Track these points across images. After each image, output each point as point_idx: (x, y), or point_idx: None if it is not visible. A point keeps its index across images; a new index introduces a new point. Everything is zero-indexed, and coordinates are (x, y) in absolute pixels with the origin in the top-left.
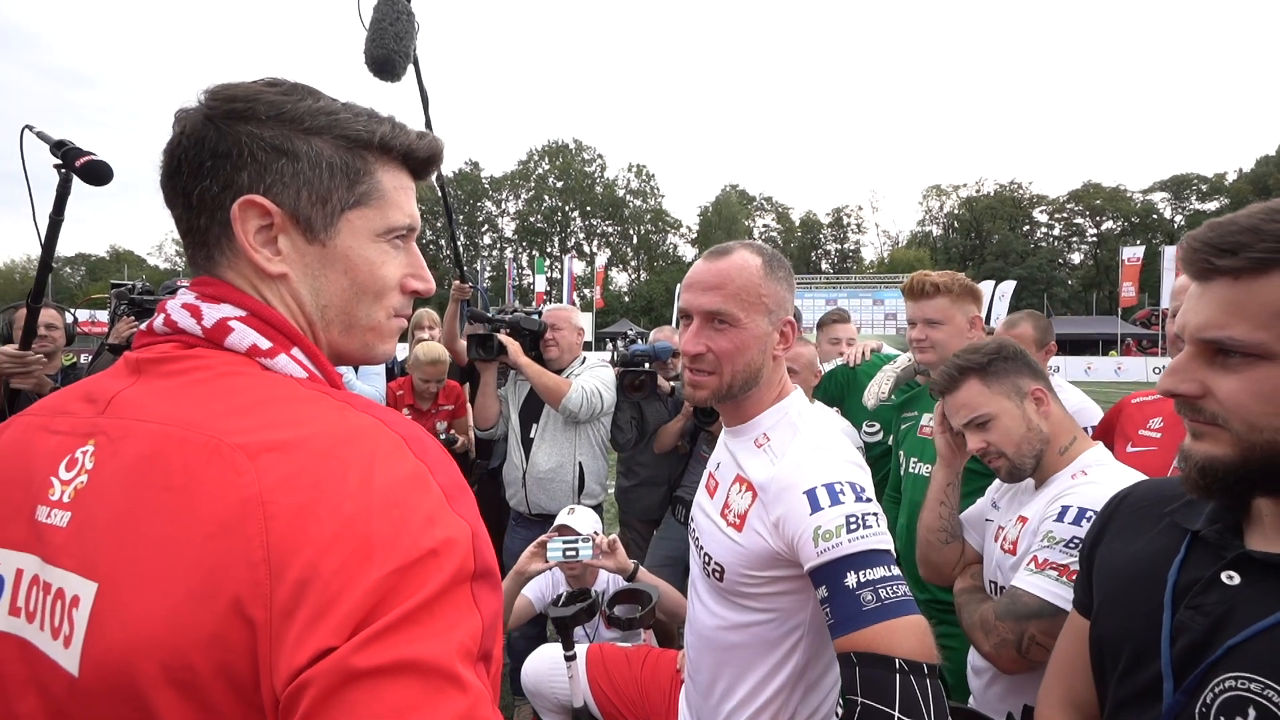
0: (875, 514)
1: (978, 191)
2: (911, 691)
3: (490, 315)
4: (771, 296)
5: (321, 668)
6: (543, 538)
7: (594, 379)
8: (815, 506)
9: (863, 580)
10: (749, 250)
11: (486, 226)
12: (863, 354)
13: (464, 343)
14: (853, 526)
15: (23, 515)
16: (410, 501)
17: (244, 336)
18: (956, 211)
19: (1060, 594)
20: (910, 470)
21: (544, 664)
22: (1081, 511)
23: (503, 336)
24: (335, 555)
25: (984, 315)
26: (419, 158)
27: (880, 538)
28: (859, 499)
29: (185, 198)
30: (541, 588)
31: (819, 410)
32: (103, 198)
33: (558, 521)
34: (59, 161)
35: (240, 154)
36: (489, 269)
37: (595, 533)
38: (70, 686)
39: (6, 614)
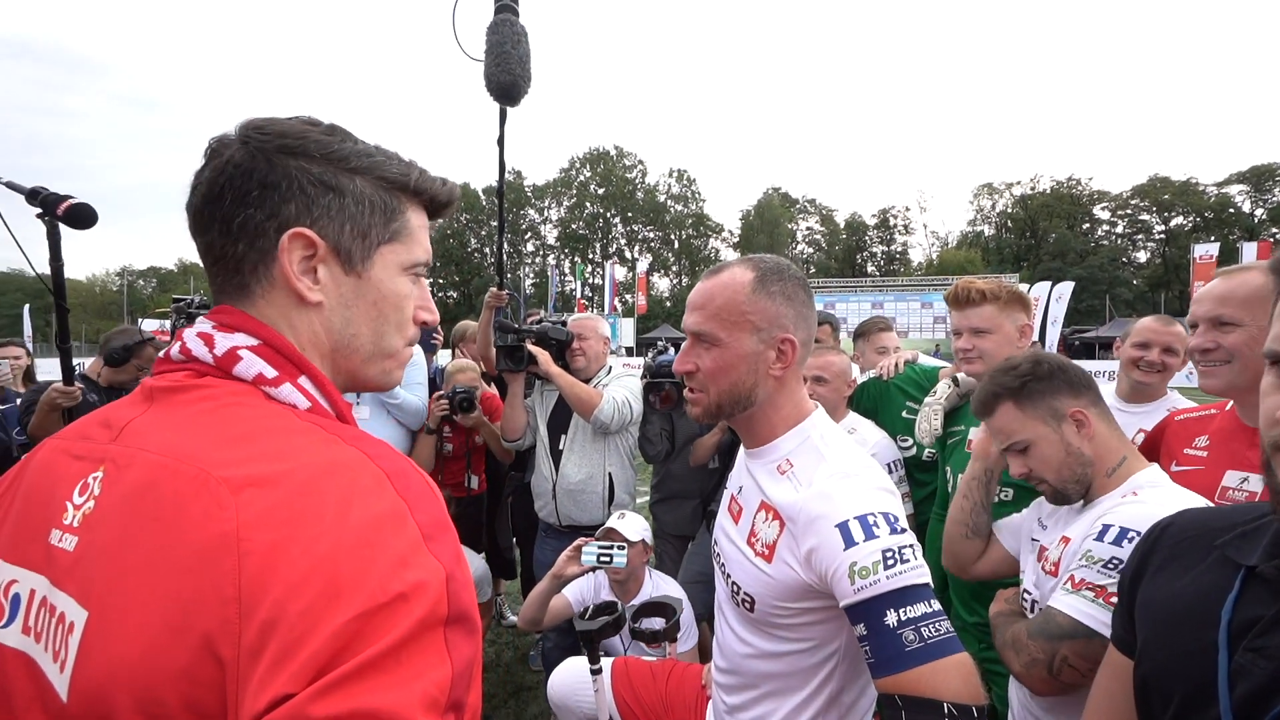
0: (911, 545)
1: (1033, 189)
2: None
3: (517, 325)
4: (759, 314)
5: (278, 715)
6: (579, 541)
7: (623, 389)
8: (849, 541)
9: (904, 619)
10: (743, 266)
11: (529, 234)
12: (896, 366)
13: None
14: (890, 562)
15: (40, 536)
16: (383, 541)
17: (251, 365)
18: (1010, 210)
19: (1096, 616)
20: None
21: (570, 677)
22: (1123, 531)
23: (531, 346)
24: (303, 596)
25: (1038, 320)
26: (441, 202)
27: (918, 571)
28: (893, 531)
29: (224, 224)
30: (583, 590)
31: (847, 428)
32: (172, 214)
33: (607, 525)
34: (39, 210)
35: (290, 187)
36: (532, 275)
37: (643, 540)
38: (60, 711)
39: (19, 633)
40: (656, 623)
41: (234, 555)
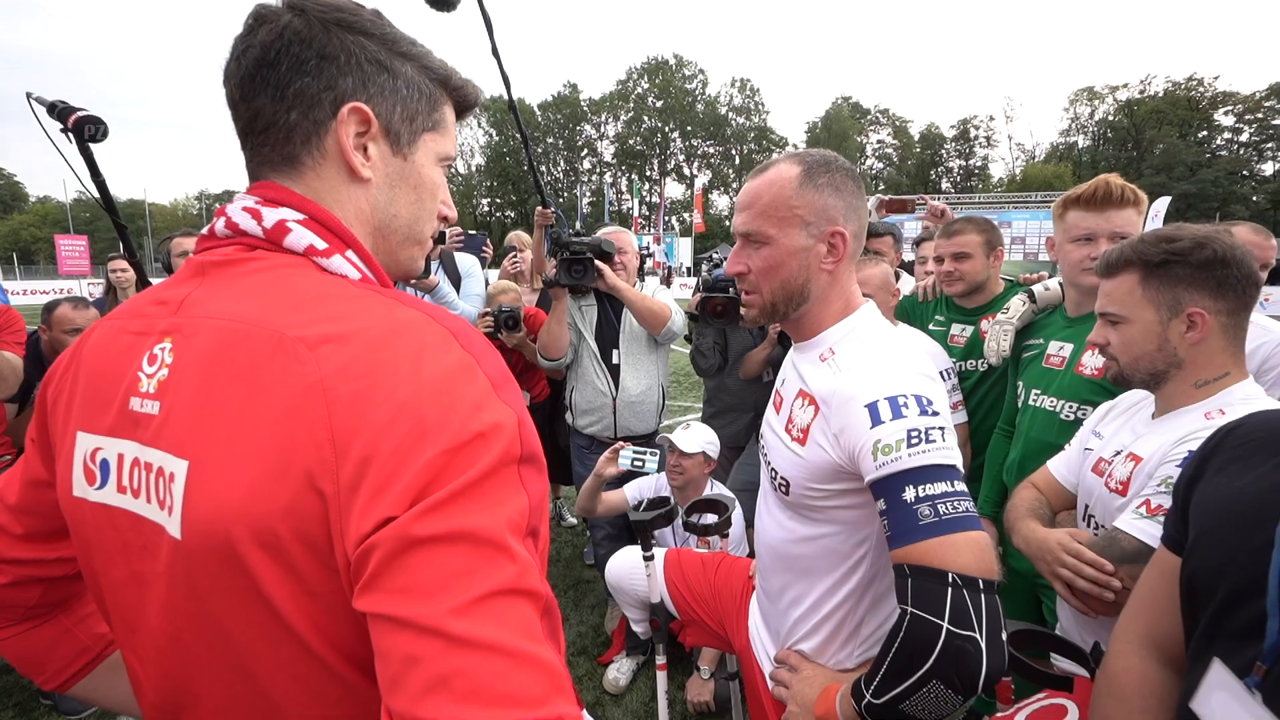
0: (941, 428)
1: (1141, 93)
2: (963, 604)
3: (571, 241)
4: (807, 207)
5: (385, 534)
6: (618, 445)
7: (672, 300)
8: (876, 420)
9: (921, 495)
10: (789, 161)
11: (586, 151)
12: (934, 289)
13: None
14: (914, 440)
15: (117, 406)
16: (458, 389)
17: (301, 237)
18: (1112, 118)
19: None
20: (1031, 403)
21: (626, 563)
22: None
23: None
24: (392, 436)
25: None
26: (470, 102)
27: (944, 452)
28: (924, 412)
29: (278, 90)
30: (643, 489)
31: (896, 329)
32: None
33: (671, 435)
34: (60, 125)
35: (347, 60)
36: (589, 194)
37: (703, 452)
38: (175, 548)
39: (116, 491)
40: (709, 517)
41: (321, 404)
